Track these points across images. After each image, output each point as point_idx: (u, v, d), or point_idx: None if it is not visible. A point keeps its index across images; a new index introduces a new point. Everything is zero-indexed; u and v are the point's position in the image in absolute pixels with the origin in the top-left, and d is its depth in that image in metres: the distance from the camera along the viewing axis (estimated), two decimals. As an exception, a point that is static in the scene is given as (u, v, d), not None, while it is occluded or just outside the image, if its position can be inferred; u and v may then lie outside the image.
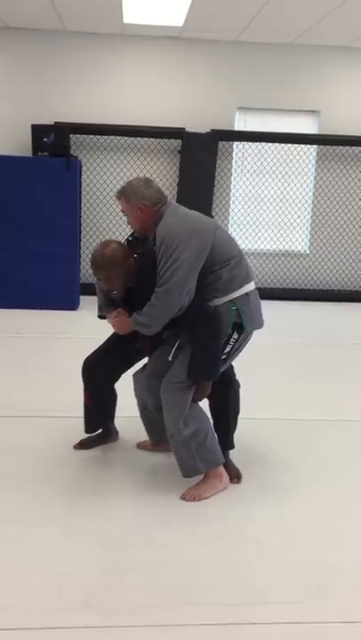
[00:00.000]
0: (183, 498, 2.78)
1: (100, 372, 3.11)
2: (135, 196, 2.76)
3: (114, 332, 3.10)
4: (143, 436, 3.25)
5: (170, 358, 2.81)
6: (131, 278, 2.81)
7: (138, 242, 2.90)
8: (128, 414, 3.29)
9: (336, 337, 6.16)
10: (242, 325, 2.78)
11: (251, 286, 2.86)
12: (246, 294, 2.81)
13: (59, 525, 2.55)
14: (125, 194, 2.79)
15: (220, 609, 2.08)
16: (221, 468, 2.87)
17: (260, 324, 2.90)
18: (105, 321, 3.06)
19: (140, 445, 3.28)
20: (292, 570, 2.31)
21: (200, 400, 2.84)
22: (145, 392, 3.03)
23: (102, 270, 2.78)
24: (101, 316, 3.07)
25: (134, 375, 3.12)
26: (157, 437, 3.15)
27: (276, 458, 3.27)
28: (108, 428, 3.33)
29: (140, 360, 3.18)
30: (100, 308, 3.06)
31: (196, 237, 2.69)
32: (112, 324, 2.96)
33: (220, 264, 2.75)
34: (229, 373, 3.02)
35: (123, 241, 2.94)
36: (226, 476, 2.88)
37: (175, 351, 2.81)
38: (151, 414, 3.07)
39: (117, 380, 3.20)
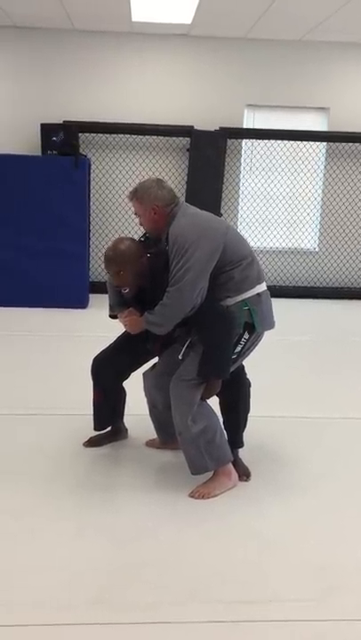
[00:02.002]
0: (192, 495, 2.78)
1: (109, 371, 3.12)
2: (148, 197, 2.77)
3: (124, 332, 3.11)
4: (152, 434, 3.26)
5: (180, 357, 2.82)
6: (143, 277, 2.81)
7: (150, 242, 2.91)
8: (137, 412, 3.30)
9: (345, 334, 6.14)
10: (253, 325, 2.79)
11: (262, 287, 2.86)
12: (258, 295, 2.82)
13: (69, 522, 2.57)
14: (138, 195, 2.81)
15: (230, 606, 2.09)
16: (230, 466, 2.87)
17: (271, 325, 2.90)
18: (115, 320, 3.07)
19: (149, 443, 3.29)
20: (301, 568, 2.32)
21: (208, 398, 2.85)
22: (154, 390, 3.04)
23: (115, 265, 2.79)
24: (113, 316, 3.08)
25: (144, 374, 3.13)
26: (166, 436, 3.16)
27: (286, 456, 3.27)
28: (118, 426, 3.34)
29: (149, 360, 3.19)
30: (111, 308, 3.07)
31: (209, 238, 2.70)
32: (123, 323, 2.96)
33: (232, 264, 2.76)
34: (240, 372, 3.02)
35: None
36: (235, 474, 2.89)
37: (185, 350, 2.82)
38: (160, 413, 3.08)
39: (126, 378, 3.21)
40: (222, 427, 2.90)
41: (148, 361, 3.19)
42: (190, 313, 2.71)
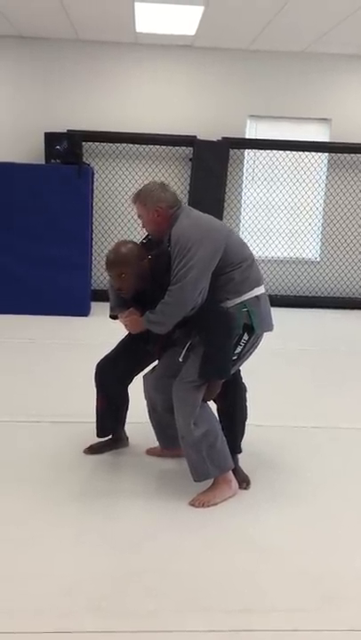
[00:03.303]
0: (192, 504, 2.79)
1: (112, 376, 3.14)
2: (152, 200, 2.80)
3: (125, 336, 3.13)
4: (153, 441, 3.27)
5: (180, 359, 2.83)
6: (144, 280, 2.83)
7: (152, 245, 2.94)
8: (138, 420, 3.31)
9: (346, 344, 6.15)
10: (252, 327, 2.81)
11: (261, 290, 2.90)
12: (257, 297, 2.86)
13: (70, 529, 2.58)
14: (142, 197, 2.84)
15: (228, 615, 2.10)
16: (231, 474, 2.88)
17: (269, 327, 2.93)
18: (116, 326, 3.09)
19: (150, 451, 3.30)
20: (299, 577, 2.32)
21: (209, 400, 2.86)
22: (154, 393, 3.06)
23: (117, 267, 2.80)
24: (113, 316, 3.09)
25: (144, 376, 3.15)
26: (166, 440, 3.17)
27: (285, 464, 3.28)
28: (119, 434, 3.35)
29: (151, 363, 3.20)
30: (111, 309, 3.08)
31: (210, 239, 2.73)
32: (124, 323, 2.97)
33: (233, 266, 2.79)
34: (236, 377, 3.04)
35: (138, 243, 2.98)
36: (235, 483, 2.90)
37: (186, 352, 2.83)
38: (160, 416, 3.10)
39: (130, 383, 3.22)
40: (222, 432, 2.92)
41: (149, 364, 3.19)
42: (191, 312, 2.73)
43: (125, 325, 2.98)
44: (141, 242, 3.01)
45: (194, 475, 2.84)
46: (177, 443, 2.92)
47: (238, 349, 2.82)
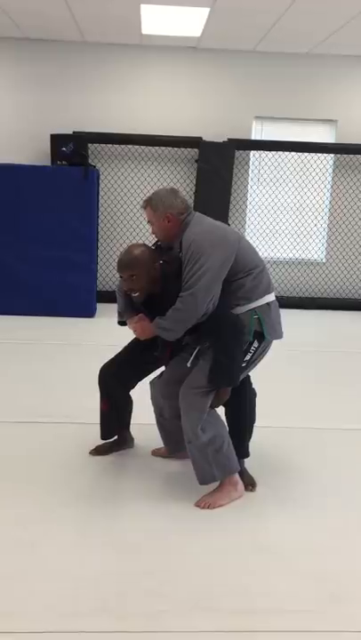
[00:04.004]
0: (198, 505, 2.79)
1: (115, 380, 3.14)
2: (163, 205, 2.80)
3: (131, 341, 3.13)
4: (158, 443, 3.27)
5: (188, 365, 2.83)
6: (155, 284, 2.82)
7: (161, 251, 2.94)
8: (143, 421, 3.32)
9: (352, 345, 6.14)
10: (262, 334, 2.81)
11: (272, 297, 2.89)
12: (267, 304, 2.85)
13: (75, 531, 2.58)
14: (152, 203, 2.83)
15: (234, 616, 2.09)
16: (237, 477, 2.88)
17: (279, 335, 2.93)
18: (122, 328, 3.09)
19: (155, 452, 3.30)
20: (306, 578, 2.31)
21: (218, 406, 2.86)
22: (162, 399, 3.06)
23: (129, 269, 2.79)
24: (121, 322, 3.08)
25: (151, 382, 3.15)
26: (173, 445, 3.17)
27: (291, 466, 3.28)
28: (124, 435, 3.36)
29: (156, 369, 3.20)
30: (120, 314, 3.07)
31: (222, 246, 2.74)
32: (133, 328, 2.95)
33: (244, 272, 2.79)
34: (245, 382, 3.04)
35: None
36: (241, 485, 2.90)
37: (194, 359, 2.83)
38: (167, 422, 3.09)
39: (133, 387, 3.23)
40: (229, 437, 2.92)
41: (153, 371, 3.21)
42: (202, 319, 2.73)
43: (134, 331, 2.96)
44: (151, 247, 3.01)
45: (199, 478, 2.84)
46: (184, 447, 2.92)
47: (248, 357, 2.81)
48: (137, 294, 2.86)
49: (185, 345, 2.94)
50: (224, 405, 2.93)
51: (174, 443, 3.13)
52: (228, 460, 2.83)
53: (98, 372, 3.18)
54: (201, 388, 2.77)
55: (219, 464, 2.81)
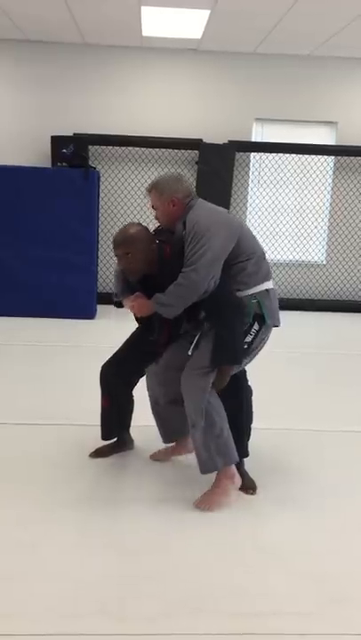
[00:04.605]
0: (197, 506, 2.79)
1: (117, 378, 3.13)
2: (168, 190, 2.85)
3: (130, 337, 3.12)
4: (158, 444, 3.27)
5: (189, 353, 2.82)
6: (151, 265, 2.82)
7: (162, 234, 2.95)
8: (143, 423, 3.31)
9: (352, 347, 6.13)
10: (262, 317, 2.83)
11: (270, 285, 2.93)
12: (267, 290, 2.89)
13: (75, 533, 2.58)
14: (158, 187, 2.88)
15: (235, 618, 2.09)
16: (233, 468, 2.86)
17: (278, 321, 2.95)
18: (122, 329, 3.08)
19: (154, 456, 3.30)
20: (306, 580, 2.31)
21: (220, 388, 2.82)
22: (157, 386, 3.06)
23: (124, 246, 2.79)
24: (118, 303, 3.05)
25: (147, 369, 3.12)
26: (168, 434, 3.18)
27: (291, 468, 3.27)
28: (124, 437, 3.35)
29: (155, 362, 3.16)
30: (116, 295, 3.05)
31: (225, 226, 2.81)
32: (130, 306, 2.93)
33: (246, 256, 2.84)
34: (241, 379, 3.03)
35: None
36: (238, 477, 2.87)
37: (194, 346, 2.82)
38: (162, 409, 3.09)
39: (135, 384, 3.21)
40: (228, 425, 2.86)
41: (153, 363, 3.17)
42: (203, 296, 2.74)
43: (132, 309, 2.93)
44: (153, 231, 3.01)
45: (201, 466, 2.82)
46: (178, 435, 2.91)
47: (249, 338, 2.82)
48: (130, 274, 2.84)
49: (184, 333, 2.94)
50: (222, 400, 2.94)
51: (169, 431, 3.16)
52: (227, 449, 2.80)
53: (99, 372, 3.16)
54: (203, 369, 2.75)
55: (220, 451, 2.79)
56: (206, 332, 2.81)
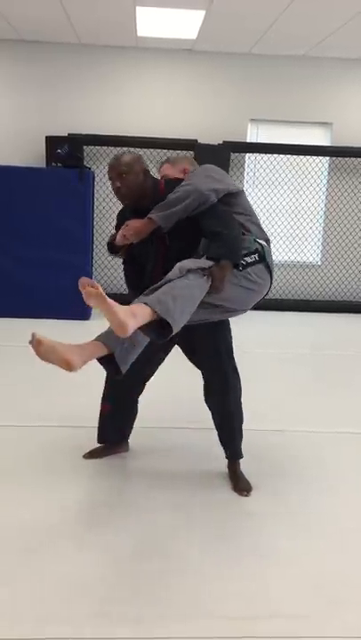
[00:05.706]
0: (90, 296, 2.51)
1: (122, 382, 3.05)
2: (182, 162, 3.14)
3: None
4: (155, 446, 3.25)
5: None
6: (144, 196, 2.80)
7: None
8: (139, 425, 3.30)
9: (347, 348, 6.14)
10: (263, 256, 2.79)
11: (268, 246, 2.91)
12: (266, 241, 2.92)
13: (71, 536, 2.56)
14: (172, 160, 3.17)
15: (233, 622, 2.08)
16: (142, 317, 2.38)
17: (272, 276, 2.87)
18: (116, 258, 2.96)
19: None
20: (305, 583, 2.30)
21: (219, 288, 2.58)
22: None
23: (119, 166, 2.76)
24: (111, 248, 2.94)
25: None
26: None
27: (287, 470, 3.26)
28: (119, 441, 3.33)
29: (165, 356, 3.10)
30: (109, 244, 2.95)
31: (223, 174, 2.94)
32: (126, 233, 2.77)
33: (246, 213, 2.90)
34: (229, 379, 2.98)
35: None
36: (133, 326, 2.35)
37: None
38: (132, 348, 2.76)
39: (141, 391, 3.18)
40: (190, 309, 2.50)
41: (163, 359, 3.11)
42: (202, 208, 2.69)
43: (128, 236, 2.77)
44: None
45: (157, 305, 2.39)
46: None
47: (248, 260, 2.71)
48: (124, 198, 2.82)
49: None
50: (208, 406, 2.88)
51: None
52: (177, 311, 2.40)
53: (95, 374, 3.14)
54: (197, 270, 2.52)
55: (176, 303, 2.40)
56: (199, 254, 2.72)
